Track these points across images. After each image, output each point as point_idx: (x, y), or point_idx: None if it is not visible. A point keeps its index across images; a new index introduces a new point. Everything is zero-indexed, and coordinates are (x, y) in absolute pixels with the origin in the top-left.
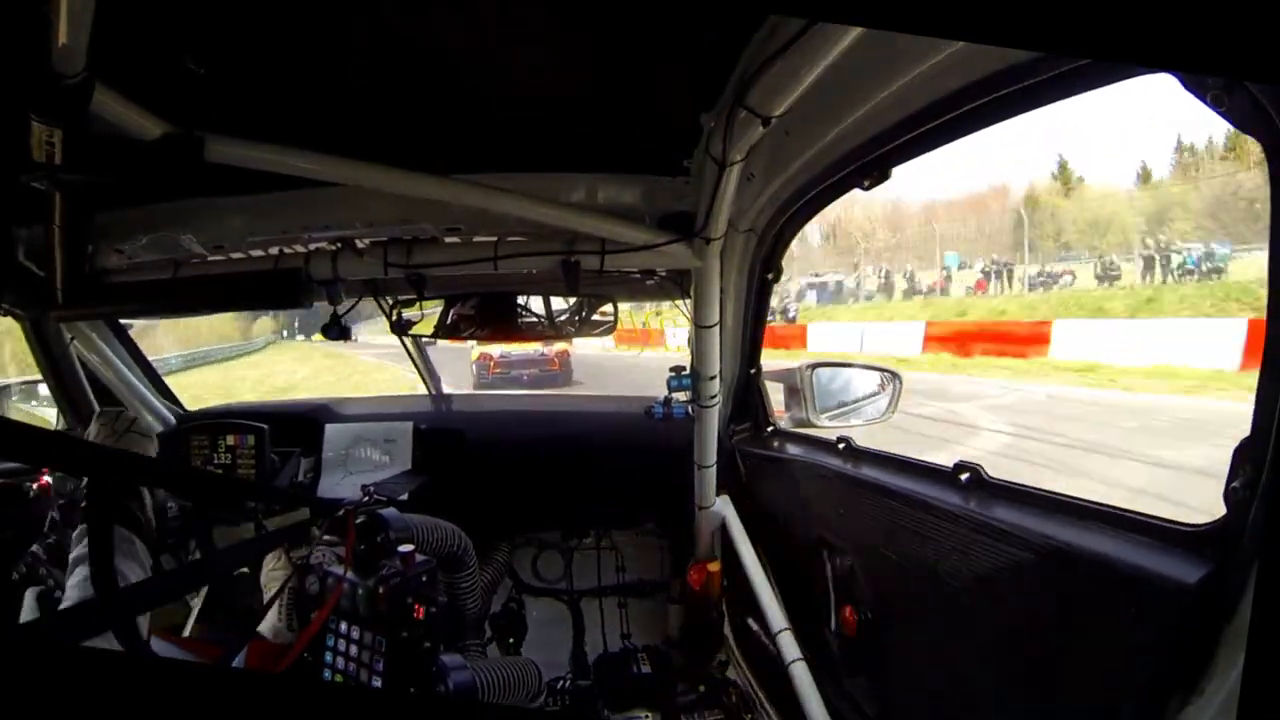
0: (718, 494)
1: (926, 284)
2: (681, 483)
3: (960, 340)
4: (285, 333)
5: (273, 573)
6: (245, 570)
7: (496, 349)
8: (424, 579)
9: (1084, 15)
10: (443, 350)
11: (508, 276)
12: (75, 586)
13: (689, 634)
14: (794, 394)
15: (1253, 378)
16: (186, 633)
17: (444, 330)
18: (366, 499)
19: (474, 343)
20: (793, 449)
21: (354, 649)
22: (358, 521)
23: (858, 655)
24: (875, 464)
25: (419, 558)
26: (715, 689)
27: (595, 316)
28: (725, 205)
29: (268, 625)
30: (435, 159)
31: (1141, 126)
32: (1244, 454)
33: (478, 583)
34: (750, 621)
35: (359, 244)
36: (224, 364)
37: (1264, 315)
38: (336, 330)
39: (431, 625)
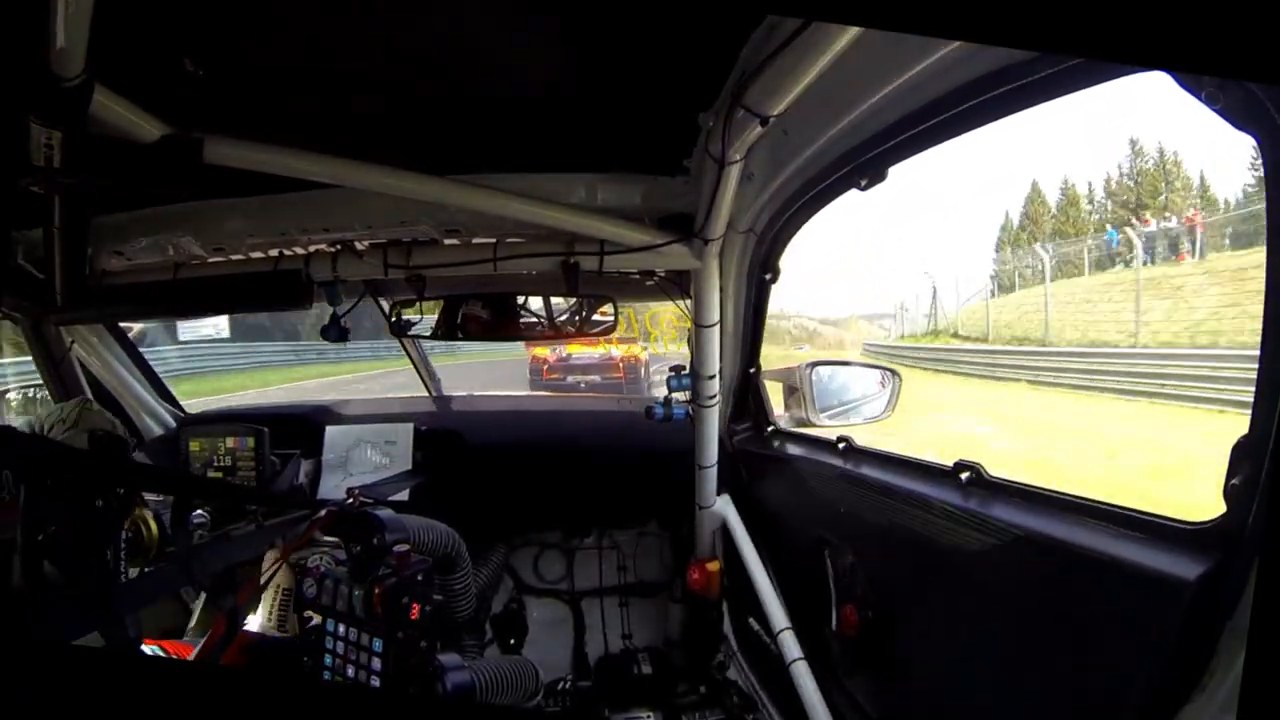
0: (718, 494)
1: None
2: (682, 483)
3: None
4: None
5: (268, 571)
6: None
7: (553, 351)
8: (419, 579)
9: (1081, 15)
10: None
11: (507, 277)
12: None
13: (690, 634)
14: (793, 393)
15: None
16: (186, 637)
17: (443, 331)
18: (350, 500)
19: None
20: (793, 448)
21: (352, 650)
22: (352, 522)
23: (859, 654)
24: (875, 463)
25: (414, 557)
26: (716, 689)
27: (595, 316)
28: (725, 205)
29: (257, 623)
30: (434, 160)
31: None
32: (1243, 450)
33: (470, 584)
34: (751, 621)
35: (358, 245)
36: None
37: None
38: (336, 331)
39: (428, 625)
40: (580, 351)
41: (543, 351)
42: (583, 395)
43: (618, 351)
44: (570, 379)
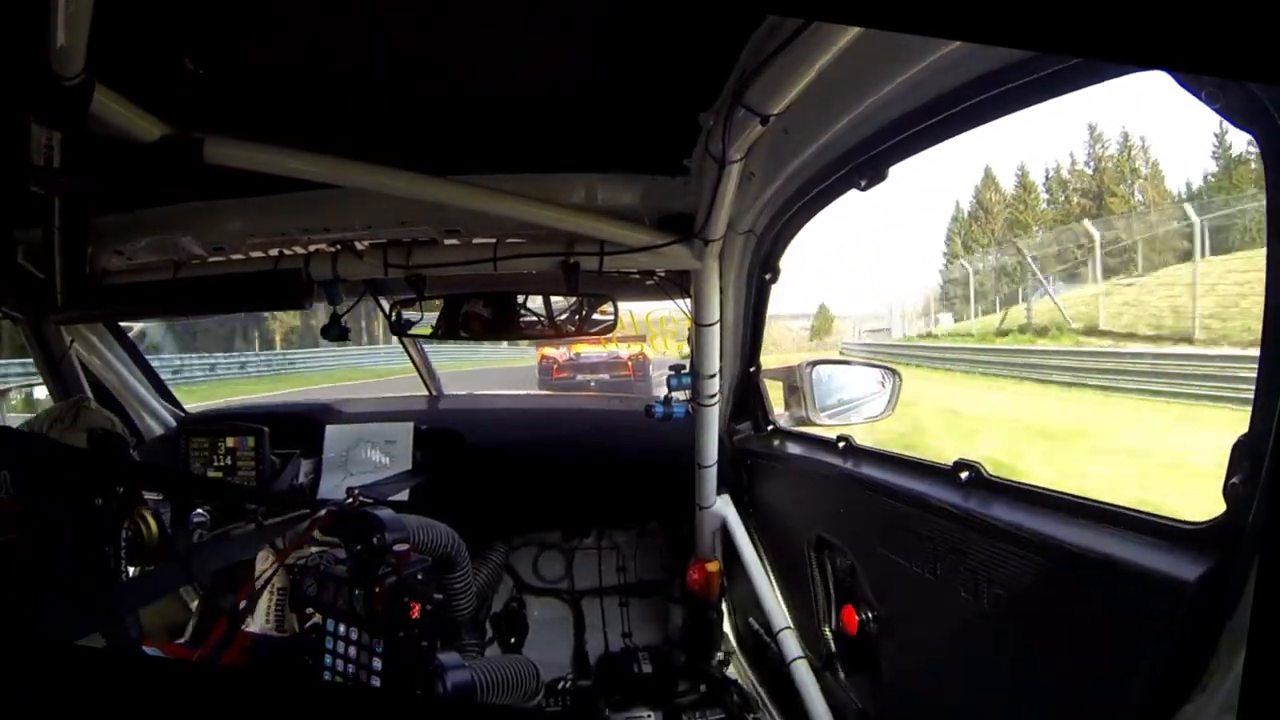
0: (718, 493)
1: None
2: (682, 482)
3: None
4: None
5: (264, 572)
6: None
7: (562, 350)
8: (419, 578)
9: (1081, 15)
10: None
11: (507, 277)
12: None
13: (690, 633)
14: (793, 392)
15: None
16: (187, 636)
17: (444, 330)
18: (350, 500)
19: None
20: (793, 448)
21: (352, 650)
22: (352, 522)
23: (859, 654)
24: (875, 462)
25: (414, 557)
26: (716, 688)
27: (595, 315)
28: (725, 205)
29: (255, 625)
30: (434, 160)
31: None
32: (1243, 449)
33: (470, 584)
34: (751, 620)
35: (358, 245)
36: None
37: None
38: (336, 330)
39: (428, 624)
40: (589, 350)
41: (552, 351)
42: (591, 394)
43: (625, 351)
44: (580, 377)
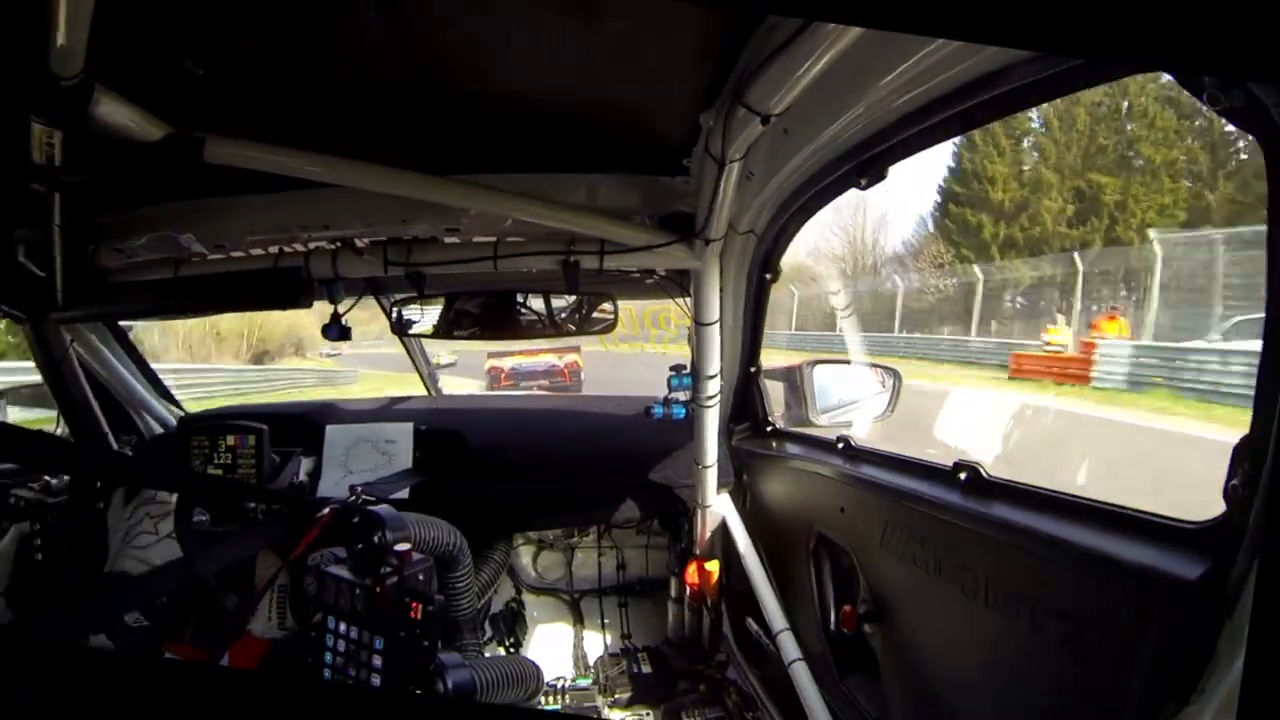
0: (718, 493)
1: None
2: (682, 483)
3: None
4: None
5: (264, 571)
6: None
7: (507, 362)
8: (421, 577)
9: (1081, 15)
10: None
11: (507, 275)
12: None
13: (689, 633)
14: (794, 392)
15: None
16: (189, 635)
17: (444, 329)
18: (353, 498)
19: (485, 355)
20: (792, 448)
21: (352, 649)
22: (354, 520)
23: (858, 655)
24: (875, 463)
25: (416, 556)
26: (715, 688)
27: (595, 314)
28: (725, 205)
29: (258, 623)
30: (434, 159)
31: None
32: (1243, 451)
33: (472, 583)
34: (750, 621)
35: (359, 244)
36: None
37: None
38: (336, 330)
39: (429, 624)
40: (530, 361)
41: (498, 363)
42: (581, 397)
43: (559, 361)
44: (522, 385)
